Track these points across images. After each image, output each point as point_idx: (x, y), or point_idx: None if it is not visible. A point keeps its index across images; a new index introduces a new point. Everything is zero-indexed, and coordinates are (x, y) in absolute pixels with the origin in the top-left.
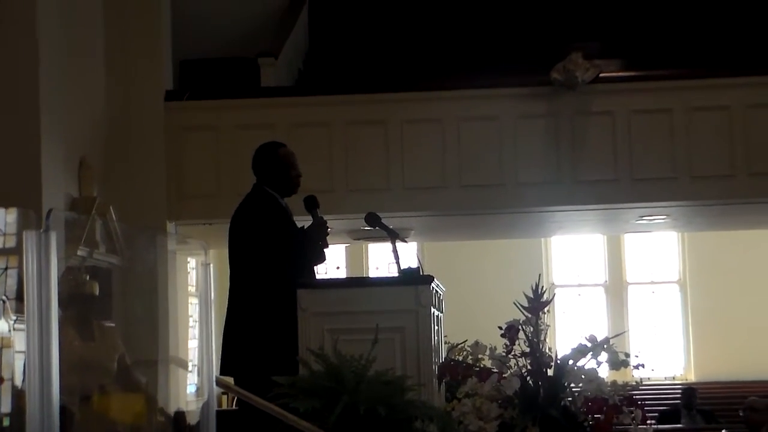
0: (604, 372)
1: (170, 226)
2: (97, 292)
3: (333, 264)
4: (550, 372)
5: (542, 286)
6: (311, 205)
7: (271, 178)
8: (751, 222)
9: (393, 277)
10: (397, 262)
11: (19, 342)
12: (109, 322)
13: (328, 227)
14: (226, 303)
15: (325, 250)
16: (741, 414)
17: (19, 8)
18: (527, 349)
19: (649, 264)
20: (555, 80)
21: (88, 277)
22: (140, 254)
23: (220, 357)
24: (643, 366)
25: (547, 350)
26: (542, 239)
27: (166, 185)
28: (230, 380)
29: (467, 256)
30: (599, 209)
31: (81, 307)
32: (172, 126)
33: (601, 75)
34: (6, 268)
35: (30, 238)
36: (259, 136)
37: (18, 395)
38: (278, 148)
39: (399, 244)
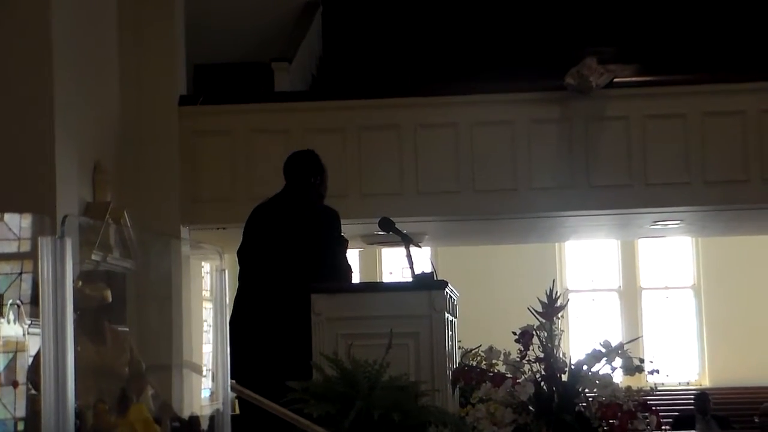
0: (619, 377)
1: (184, 231)
2: (110, 299)
3: None
4: (564, 377)
5: (556, 291)
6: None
7: (318, 188)
8: (765, 227)
9: (407, 282)
10: (411, 267)
11: (33, 346)
12: (123, 326)
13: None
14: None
15: None
16: (756, 420)
17: (33, 13)
18: (541, 355)
19: (664, 269)
20: (569, 85)
21: (99, 283)
22: (154, 259)
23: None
24: (657, 371)
25: (561, 355)
26: (556, 244)
27: (179, 190)
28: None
29: (481, 261)
30: (613, 214)
31: (93, 312)
32: (186, 131)
33: (615, 80)
34: (21, 273)
35: (45, 244)
36: (273, 141)
37: (32, 399)
38: (318, 157)
39: (413, 249)
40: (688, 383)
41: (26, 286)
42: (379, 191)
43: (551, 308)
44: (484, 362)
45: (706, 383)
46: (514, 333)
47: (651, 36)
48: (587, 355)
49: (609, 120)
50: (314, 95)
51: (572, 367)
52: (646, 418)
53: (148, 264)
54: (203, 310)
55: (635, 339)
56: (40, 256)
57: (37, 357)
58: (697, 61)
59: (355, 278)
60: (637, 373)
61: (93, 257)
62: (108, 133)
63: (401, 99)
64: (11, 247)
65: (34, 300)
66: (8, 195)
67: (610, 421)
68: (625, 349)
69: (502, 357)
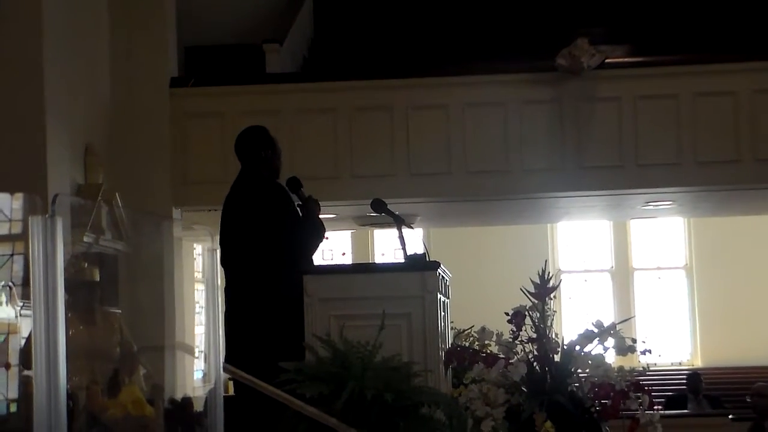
0: (611, 358)
1: (176, 213)
2: (98, 278)
3: (339, 250)
4: (556, 358)
5: (548, 272)
6: (296, 186)
7: (270, 161)
8: (757, 207)
9: (399, 263)
10: (403, 248)
11: (26, 328)
12: (115, 308)
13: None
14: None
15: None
16: (748, 400)
17: None
18: (534, 335)
19: (656, 250)
20: (561, 66)
21: (86, 264)
22: (146, 241)
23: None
24: (649, 351)
25: (553, 336)
26: (548, 225)
27: (171, 172)
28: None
29: (473, 242)
30: (605, 195)
31: (83, 293)
32: (177, 112)
33: (606, 60)
34: (12, 254)
35: (36, 223)
36: (265, 123)
37: (25, 381)
38: (267, 130)
39: (405, 230)
40: (680, 363)
41: (18, 268)
42: (370, 172)
43: (543, 289)
44: (476, 343)
45: (698, 363)
46: (507, 314)
47: (642, 16)
48: (580, 335)
49: (600, 101)
50: (305, 77)
51: (565, 347)
52: (639, 398)
53: (140, 245)
54: (195, 291)
55: (627, 319)
56: (30, 235)
57: (29, 339)
58: (689, 42)
59: (347, 259)
60: (629, 354)
61: (85, 239)
62: (99, 115)
63: (393, 80)
64: (2, 229)
65: (27, 282)
66: None
67: (603, 401)
68: (617, 329)
69: (494, 337)
